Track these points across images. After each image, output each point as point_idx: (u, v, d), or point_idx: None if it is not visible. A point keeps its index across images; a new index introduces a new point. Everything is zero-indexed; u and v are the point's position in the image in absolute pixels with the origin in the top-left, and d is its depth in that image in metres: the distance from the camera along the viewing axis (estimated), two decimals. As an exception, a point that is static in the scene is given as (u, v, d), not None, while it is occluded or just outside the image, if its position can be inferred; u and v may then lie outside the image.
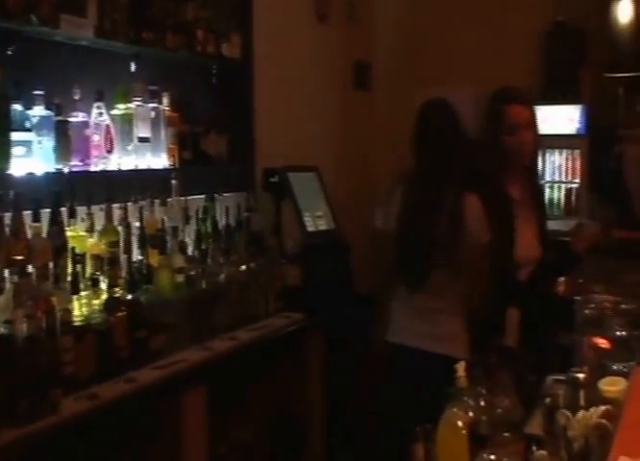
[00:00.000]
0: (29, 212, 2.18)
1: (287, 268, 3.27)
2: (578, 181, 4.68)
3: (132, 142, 2.67)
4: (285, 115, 3.83)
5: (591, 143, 4.58)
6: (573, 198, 4.72)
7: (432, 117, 2.63)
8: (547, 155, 4.79)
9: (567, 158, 4.74)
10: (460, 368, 1.43)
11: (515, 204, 2.56)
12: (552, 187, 4.80)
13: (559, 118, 4.67)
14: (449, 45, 4.82)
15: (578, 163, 4.68)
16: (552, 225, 4.17)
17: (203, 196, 3.04)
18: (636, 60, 4.04)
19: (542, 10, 4.66)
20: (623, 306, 1.84)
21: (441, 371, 1.50)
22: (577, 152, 4.68)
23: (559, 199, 4.78)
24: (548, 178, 4.80)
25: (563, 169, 4.76)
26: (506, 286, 2.44)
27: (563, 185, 4.76)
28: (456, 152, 2.56)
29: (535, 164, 2.75)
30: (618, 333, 1.66)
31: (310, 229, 3.48)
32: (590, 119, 4.58)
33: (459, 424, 1.35)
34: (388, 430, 2.58)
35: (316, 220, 3.55)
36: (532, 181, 2.70)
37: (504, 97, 2.61)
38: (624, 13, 4.13)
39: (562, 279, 3.29)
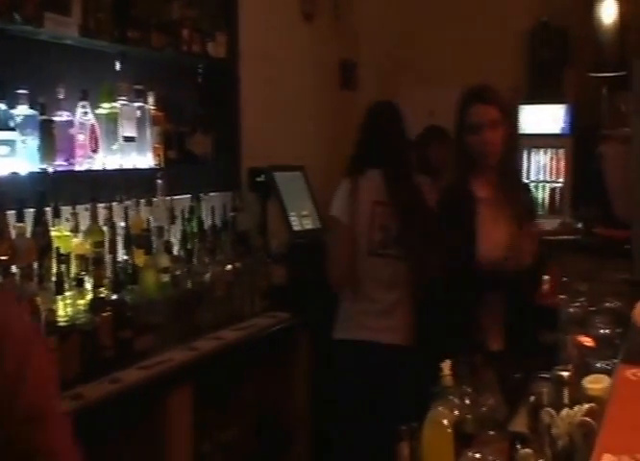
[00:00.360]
0: (13, 212, 2.16)
1: (273, 267, 3.27)
2: (562, 180, 4.72)
3: (117, 142, 2.65)
4: (271, 115, 3.82)
5: (575, 143, 4.61)
6: (557, 197, 4.75)
7: (380, 120, 2.87)
8: (532, 154, 4.82)
9: (551, 158, 4.77)
10: (446, 367, 1.43)
11: (480, 203, 2.49)
12: (536, 187, 4.83)
13: (544, 118, 4.70)
14: (434, 45, 4.84)
15: (562, 163, 4.71)
16: (536, 224, 4.22)
17: (188, 196, 3.03)
18: (620, 59, 4.07)
19: (526, 10, 4.69)
20: (607, 304, 1.86)
21: (407, 362, 1.60)
22: (561, 151, 4.71)
23: (544, 198, 4.81)
24: (533, 177, 4.83)
25: (547, 168, 4.79)
26: (468, 284, 2.41)
27: (547, 185, 4.80)
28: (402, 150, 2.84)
29: (508, 164, 2.61)
30: (602, 331, 1.67)
31: (296, 228, 3.48)
32: (574, 119, 4.61)
33: (445, 422, 1.36)
34: (367, 429, 2.60)
35: (302, 219, 3.55)
36: (507, 182, 2.57)
37: (469, 96, 2.56)
38: (607, 14, 4.16)
39: (547, 277, 3.32)
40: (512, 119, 2.63)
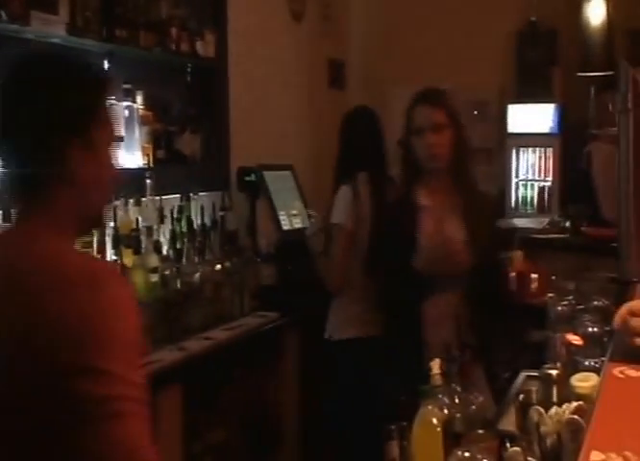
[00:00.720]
0: (0, 213, 2.15)
1: (263, 267, 3.27)
2: (550, 179, 4.74)
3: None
4: (260, 114, 3.82)
5: (564, 142, 4.64)
6: (545, 196, 4.77)
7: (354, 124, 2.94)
8: (520, 153, 4.84)
9: (540, 157, 4.80)
10: (435, 365, 1.44)
11: (424, 211, 2.42)
12: (525, 185, 4.85)
13: (533, 117, 4.72)
14: (422, 44, 4.84)
15: (550, 162, 4.74)
16: (524, 223, 4.24)
17: (177, 195, 3.02)
18: (608, 59, 4.09)
19: (515, 9, 4.71)
20: (594, 303, 1.87)
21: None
22: (550, 150, 4.74)
23: (532, 197, 4.83)
24: (521, 176, 4.85)
25: (536, 167, 4.81)
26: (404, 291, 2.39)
27: (536, 184, 4.82)
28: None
29: (460, 170, 2.46)
30: (590, 330, 1.68)
31: (286, 227, 3.48)
32: (563, 118, 4.63)
33: (434, 421, 1.36)
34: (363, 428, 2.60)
35: (291, 219, 3.55)
36: (459, 188, 2.45)
37: (416, 98, 2.49)
38: (595, 13, 4.18)
39: (535, 275, 3.33)
40: (461, 123, 2.49)
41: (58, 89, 1.19)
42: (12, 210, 2.16)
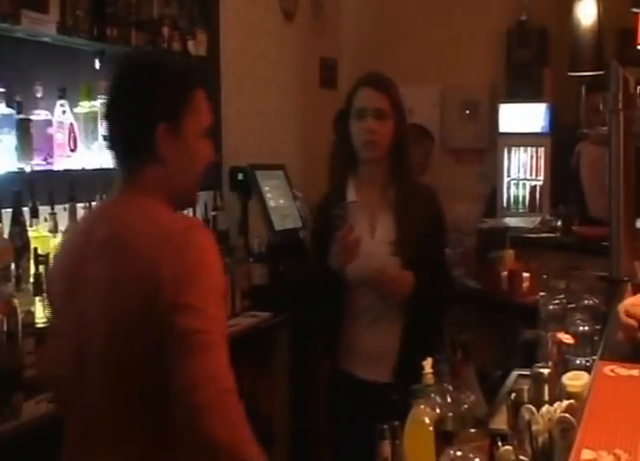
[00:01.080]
0: (-10, 212, 2.14)
1: (254, 267, 3.26)
2: (541, 178, 4.76)
3: (96, 141, 2.63)
4: (252, 113, 3.81)
5: (555, 141, 4.65)
6: (537, 195, 4.79)
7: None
8: (512, 153, 4.86)
9: (532, 156, 4.81)
10: (427, 364, 1.44)
11: (354, 206, 2.21)
12: (516, 185, 4.87)
13: (524, 116, 4.73)
14: (413, 44, 4.85)
15: (542, 161, 4.75)
16: (516, 222, 4.25)
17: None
18: (598, 59, 4.10)
19: (505, 9, 4.72)
20: (585, 302, 1.87)
21: None
22: (541, 150, 4.75)
23: (524, 196, 4.85)
24: (513, 175, 4.87)
25: (527, 167, 4.83)
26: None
27: (527, 183, 4.83)
28: None
29: (399, 164, 2.27)
30: (581, 328, 1.69)
31: (278, 227, 3.47)
32: (554, 117, 4.65)
33: (426, 420, 1.36)
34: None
35: (283, 218, 3.54)
36: (396, 183, 2.26)
37: (360, 80, 2.30)
38: (586, 13, 4.19)
39: (527, 274, 3.33)
40: (404, 115, 2.28)
41: (149, 84, 1.43)
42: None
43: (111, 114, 1.44)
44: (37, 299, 2.13)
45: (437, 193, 2.39)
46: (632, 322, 1.45)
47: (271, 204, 3.49)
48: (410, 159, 2.33)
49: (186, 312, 1.27)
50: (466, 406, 1.48)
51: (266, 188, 3.50)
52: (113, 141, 1.45)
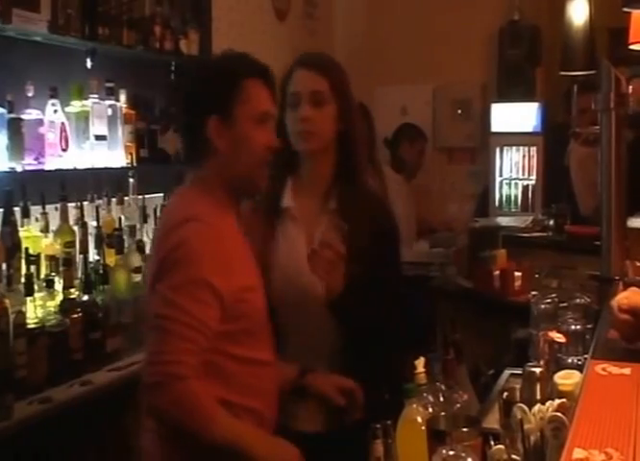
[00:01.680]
0: (-19, 212, 2.13)
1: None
2: (534, 177, 4.77)
3: (88, 140, 2.62)
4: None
5: (547, 141, 4.66)
6: (529, 194, 4.80)
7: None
8: (504, 152, 4.87)
9: (524, 156, 4.82)
10: (420, 364, 1.44)
11: (286, 216, 1.86)
12: (509, 184, 4.88)
13: (516, 116, 4.74)
14: (406, 43, 4.86)
15: (534, 160, 4.77)
16: (508, 221, 4.26)
17: (160, 194, 3.01)
18: (590, 59, 4.12)
19: (497, 9, 4.73)
20: (577, 300, 1.88)
21: None
22: (533, 149, 4.76)
23: (516, 195, 4.86)
24: (505, 175, 4.88)
25: (520, 166, 4.84)
26: None
27: (520, 182, 4.85)
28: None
29: (345, 161, 1.87)
30: (572, 327, 1.69)
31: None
32: (546, 117, 4.66)
33: (419, 419, 1.36)
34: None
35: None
36: (348, 187, 1.86)
37: (294, 62, 1.93)
38: (577, 12, 4.20)
39: (518, 273, 3.33)
40: (349, 100, 1.91)
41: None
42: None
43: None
44: (29, 299, 2.13)
45: (389, 204, 2.05)
46: (627, 317, 1.45)
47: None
48: (360, 157, 1.91)
49: (157, 296, 1.45)
50: (458, 405, 1.48)
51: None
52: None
